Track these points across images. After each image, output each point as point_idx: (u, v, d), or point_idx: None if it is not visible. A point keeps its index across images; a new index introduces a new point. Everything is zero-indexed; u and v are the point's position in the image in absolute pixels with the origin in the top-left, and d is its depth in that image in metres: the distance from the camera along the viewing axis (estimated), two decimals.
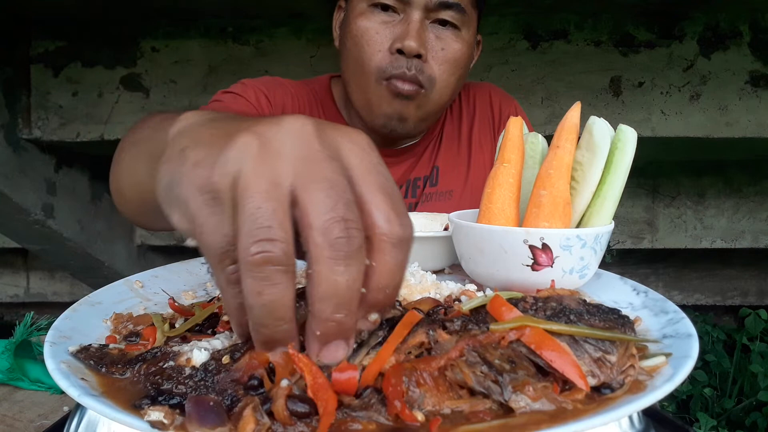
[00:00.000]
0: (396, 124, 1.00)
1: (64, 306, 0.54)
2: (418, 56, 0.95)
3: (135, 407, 0.35)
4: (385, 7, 0.96)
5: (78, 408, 0.44)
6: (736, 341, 2.49)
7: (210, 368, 0.37)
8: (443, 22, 0.97)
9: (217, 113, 0.43)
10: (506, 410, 0.36)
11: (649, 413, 0.48)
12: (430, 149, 1.16)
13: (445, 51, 0.98)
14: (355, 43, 0.98)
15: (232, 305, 0.35)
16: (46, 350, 0.44)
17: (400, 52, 0.95)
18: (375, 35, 0.96)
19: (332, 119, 1.11)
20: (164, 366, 0.40)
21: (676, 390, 2.22)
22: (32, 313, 1.08)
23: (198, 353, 0.40)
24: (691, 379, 2.31)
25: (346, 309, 0.33)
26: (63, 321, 0.51)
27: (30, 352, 1.04)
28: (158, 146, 0.46)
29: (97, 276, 2.39)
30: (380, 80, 0.97)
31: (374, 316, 0.36)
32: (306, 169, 0.34)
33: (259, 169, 0.33)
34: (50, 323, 0.49)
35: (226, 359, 0.38)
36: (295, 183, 0.33)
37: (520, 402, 0.35)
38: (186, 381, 0.37)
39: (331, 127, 0.37)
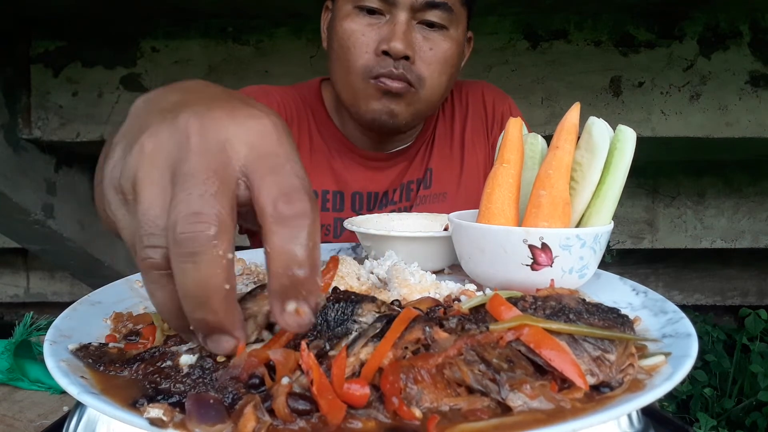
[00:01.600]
0: (386, 119, 0.99)
1: (64, 306, 0.54)
2: (406, 58, 0.93)
3: (133, 406, 0.35)
4: (371, 11, 0.94)
5: (77, 407, 0.44)
6: (736, 341, 2.49)
7: (207, 366, 0.37)
8: (431, 24, 0.95)
9: (155, 96, 0.44)
10: (504, 409, 0.36)
11: (648, 413, 0.48)
12: (422, 151, 1.14)
13: (434, 51, 0.96)
14: (341, 45, 0.97)
15: (163, 296, 0.36)
16: (46, 349, 0.44)
17: (386, 53, 0.93)
18: (361, 37, 0.95)
19: (322, 124, 1.11)
20: (162, 366, 0.40)
21: (676, 390, 2.23)
22: (32, 313, 1.08)
23: (186, 357, 0.40)
24: (691, 379, 2.31)
25: (201, 307, 0.34)
26: (63, 320, 0.51)
27: (30, 352, 1.04)
28: None
29: (97, 276, 2.39)
30: (367, 79, 0.95)
31: (291, 306, 0.35)
32: (178, 164, 0.35)
33: (148, 173, 0.35)
34: (50, 323, 0.49)
35: (221, 357, 0.38)
36: (174, 180, 0.35)
37: (517, 400, 0.35)
38: (184, 379, 0.37)
39: (228, 114, 0.37)
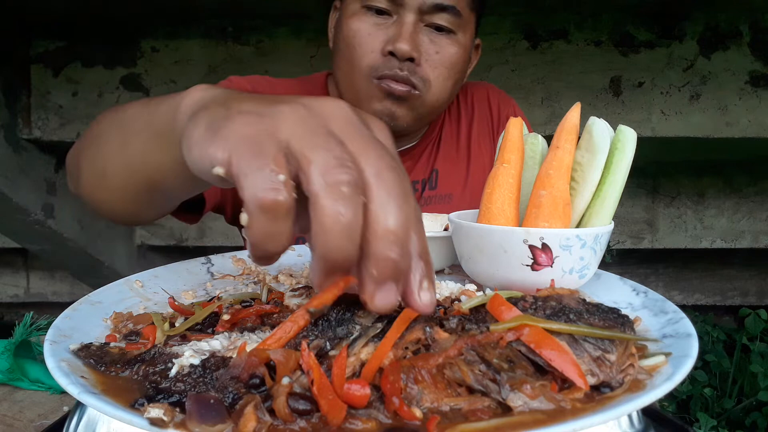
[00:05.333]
0: (386, 122, 0.97)
1: (64, 306, 0.54)
2: (411, 60, 0.93)
3: (133, 407, 0.35)
4: (379, 11, 0.94)
5: (78, 407, 0.44)
6: (736, 341, 2.49)
7: (208, 365, 0.37)
8: (438, 28, 0.95)
9: (238, 91, 0.44)
10: (505, 409, 0.36)
11: (649, 413, 0.48)
12: (428, 152, 1.14)
13: (440, 55, 0.95)
14: (347, 44, 0.96)
15: (260, 233, 0.34)
16: (47, 348, 0.44)
17: (392, 54, 0.92)
18: (367, 36, 0.94)
19: None
20: (163, 368, 0.40)
21: (676, 390, 2.23)
22: (32, 313, 1.08)
23: (187, 357, 0.40)
24: (691, 379, 2.31)
25: (400, 248, 0.35)
26: (63, 320, 0.51)
27: (30, 352, 1.04)
28: (162, 119, 0.48)
29: (97, 276, 2.39)
30: (371, 78, 0.95)
31: (425, 283, 0.38)
32: (349, 127, 0.37)
33: (312, 122, 0.36)
34: (50, 323, 0.49)
35: (229, 352, 0.38)
36: (342, 136, 0.36)
37: (518, 400, 0.35)
38: (185, 378, 0.37)
39: (360, 110, 0.40)
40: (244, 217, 0.34)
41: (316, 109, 0.37)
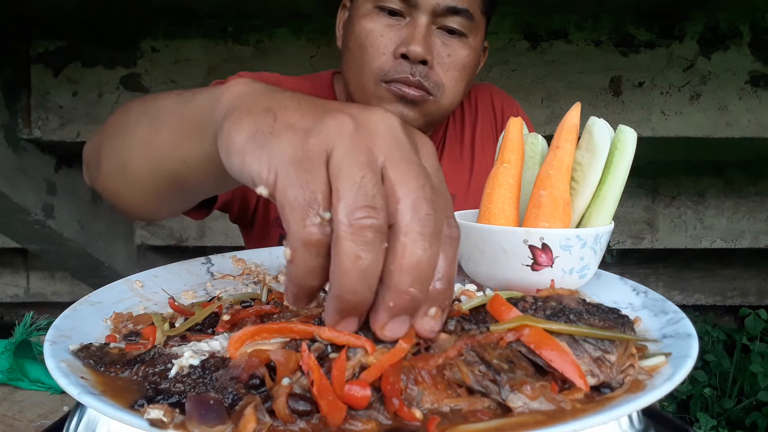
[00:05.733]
0: None
1: (64, 306, 0.54)
2: (423, 62, 0.92)
3: (133, 408, 0.35)
4: (392, 12, 0.93)
5: (78, 407, 0.44)
6: (736, 341, 2.49)
7: (208, 366, 0.37)
8: (451, 31, 0.94)
9: (280, 88, 0.43)
10: (505, 410, 0.36)
11: (649, 413, 0.48)
12: None
13: (452, 57, 0.95)
14: (359, 45, 0.95)
15: (302, 268, 0.35)
16: (46, 349, 0.44)
17: (404, 57, 0.91)
18: (379, 38, 0.93)
19: None
20: (162, 369, 0.40)
21: (676, 390, 2.22)
22: (32, 313, 1.08)
23: (186, 358, 0.40)
24: (691, 379, 2.31)
25: (422, 285, 0.35)
26: (63, 320, 0.51)
27: (30, 352, 1.04)
28: (198, 112, 0.46)
29: (97, 276, 2.39)
30: (380, 82, 0.94)
31: (432, 311, 0.38)
32: (396, 151, 0.36)
33: (358, 144, 0.35)
34: (50, 323, 0.49)
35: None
36: (386, 161, 0.35)
37: (518, 401, 0.35)
38: (184, 379, 0.37)
39: (408, 125, 0.39)
40: (287, 252, 0.34)
41: (364, 125, 0.36)
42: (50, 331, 0.47)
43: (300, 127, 0.36)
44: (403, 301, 0.35)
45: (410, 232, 0.34)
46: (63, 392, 0.98)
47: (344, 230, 0.33)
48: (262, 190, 0.35)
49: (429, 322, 0.38)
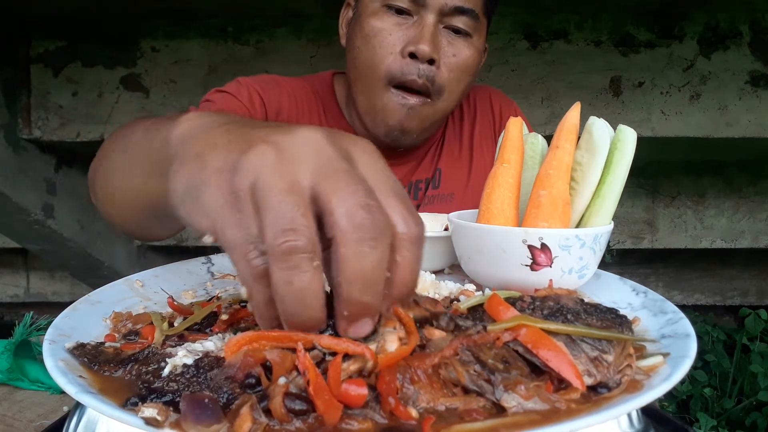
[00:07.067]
0: (398, 135, 0.99)
1: (64, 306, 0.54)
2: (431, 61, 0.93)
3: (125, 406, 0.35)
4: (399, 10, 0.94)
5: (77, 407, 0.44)
6: (736, 341, 2.49)
7: (202, 365, 0.37)
8: (456, 30, 0.96)
9: (223, 116, 0.44)
10: (500, 409, 0.36)
11: (648, 413, 0.48)
12: (432, 152, 1.15)
13: (457, 57, 0.96)
14: (366, 43, 0.96)
15: (260, 300, 0.36)
16: (46, 348, 0.44)
17: (412, 55, 0.93)
18: (388, 36, 0.94)
19: (334, 118, 1.11)
20: (156, 368, 0.40)
21: (676, 390, 2.23)
22: (32, 313, 1.08)
23: (180, 357, 0.40)
24: (691, 379, 2.31)
25: (372, 291, 0.35)
26: (63, 319, 0.51)
27: (30, 352, 1.04)
28: (157, 151, 0.47)
29: (97, 276, 2.39)
30: (388, 86, 0.95)
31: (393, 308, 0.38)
32: (324, 168, 0.35)
33: (279, 171, 0.35)
34: (50, 323, 0.49)
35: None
36: (314, 180, 0.35)
37: (512, 401, 0.35)
38: (178, 378, 0.37)
39: (340, 135, 0.39)
40: (243, 290, 0.35)
41: (285, 151, 0.36)
42: (50, 331, 0.47)
43: (226, 167, 0.36)
44: (356, 309, 0.35)
45: (348, 242, 0.34)
46: (63, 392, 0.98)
47: (271, 258, 0.34)
48: (207, 239, 0.37)
49: (387, 317, 0.38)
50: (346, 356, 0.37)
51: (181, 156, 0.39)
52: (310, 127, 0.38)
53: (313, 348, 0.37)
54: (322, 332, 0.38)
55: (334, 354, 0.37)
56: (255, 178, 0.35)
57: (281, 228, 0.33)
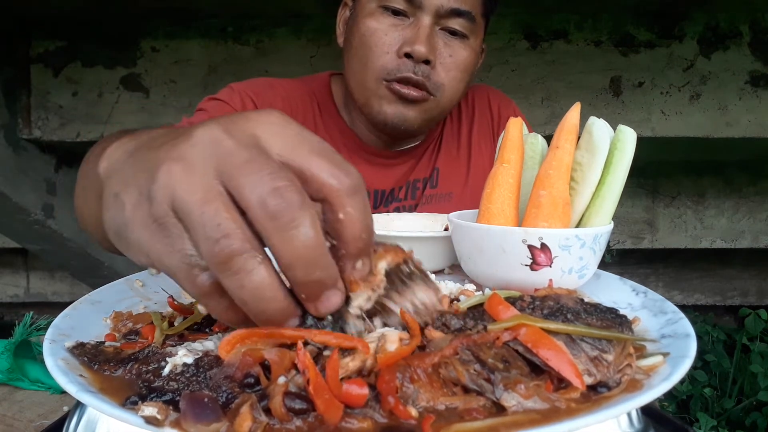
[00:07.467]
0: (398, 123, 0.99)
1: (64, 306, 0.54)
2: (426, 62, 0.94)
3: (125, 405, 0.35)
4: (396, 11, 0.94)
5: (77, 407, 0.44)
6: (736, 341, 2.49)
7: (202, 364, 0.37)
8: (452, 32, 0.96)
9: (138, 139, 0.44)
10: (500, 409, 0.36)
11: (648, 413, 0.48)
12: (430, 151, 1.15)
13: (454, 58, 0.97)
14: (363, 43, 0.97)
15: (221, 310, 0.36)
16: (46, 347, 0.44)
17: (408, 56, 0.93)
18: (383, 37, 0.95)
19: (331, 120, 1.11)
20: (156, 367, 0.40)
21: (676, 390, 2.23)
22: (32, 313, 1.08)
23: (180, 356, 0.40)
24: (691, 379, 2.31)
25: (317, 267, 0.35)
26: (63, 319, 0.51)
27: (30, 352, 1.04)
28: (95, 184, 0.48)
29: (97, 276, 2.39)
30: (382, 81, 0.96)
31: (360, 264, 0.38)
32: (226, 165, 0.35)
33: (188, 184, 0.34)
34: (50, 323, 0.49)
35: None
36: (223, 179, 0.34)
37: (511, 400, 0.35)
38: (178, 377, 0.37)
39: (240, 118, 0.37)
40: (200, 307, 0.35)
41: (188, 162, 0.35)
42: (50, 330, 0.47)
43: (141, 200, 0.36)
44: (311, 288, 0.35)
45: (271, 233, 0.33)
46: (63, 392, 0.99)
47: (215, 270, 0.34)
48: (151, 272, 0.37)
49: (359, 272, 0.38)
50: (343, 352, 0.37)
51: (104, 198, 0.40)
52: (208, 122, 0.37)
53: (307, 344, 0.37)
54: (303, 317, 0.38)
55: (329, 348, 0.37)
56: (171, 200, 0.34)
57: (212, 238, 0.33)
